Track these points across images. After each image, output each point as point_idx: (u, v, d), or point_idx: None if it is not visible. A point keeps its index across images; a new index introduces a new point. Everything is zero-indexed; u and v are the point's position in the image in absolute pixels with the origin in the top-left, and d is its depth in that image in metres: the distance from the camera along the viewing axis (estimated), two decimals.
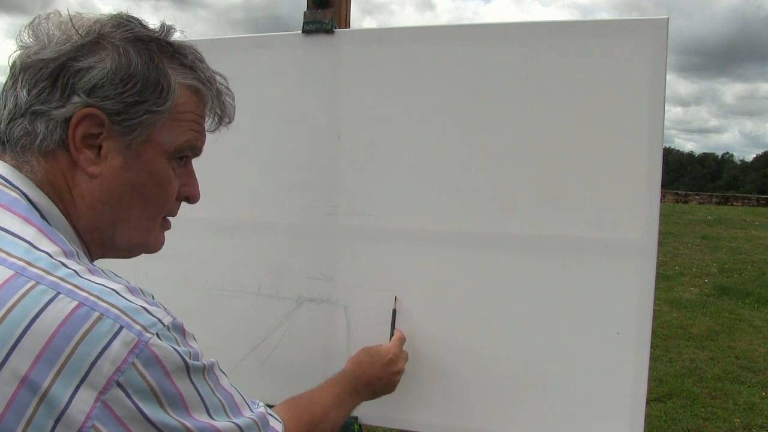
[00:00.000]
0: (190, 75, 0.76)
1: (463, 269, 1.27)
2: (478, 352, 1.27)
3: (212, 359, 0.69)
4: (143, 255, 1.54)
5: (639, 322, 1.18)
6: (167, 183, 0.76)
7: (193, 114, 0.76)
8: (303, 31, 1.34)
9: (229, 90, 0.82)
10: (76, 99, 0.67)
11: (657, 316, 5.29)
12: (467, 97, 1.24)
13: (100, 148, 0.70)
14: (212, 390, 0.67)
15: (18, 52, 0.70)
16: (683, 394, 4.36)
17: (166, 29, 0.75)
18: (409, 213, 1.29)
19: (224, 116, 0.82)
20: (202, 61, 0.78)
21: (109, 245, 0.75)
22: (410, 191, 1.29)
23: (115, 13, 0.73)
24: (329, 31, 1.32)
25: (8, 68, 0.72)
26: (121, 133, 0.70)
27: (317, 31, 1.33)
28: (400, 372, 1.22)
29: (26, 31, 0.71)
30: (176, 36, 0.76)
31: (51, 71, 0.67)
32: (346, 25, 1.39)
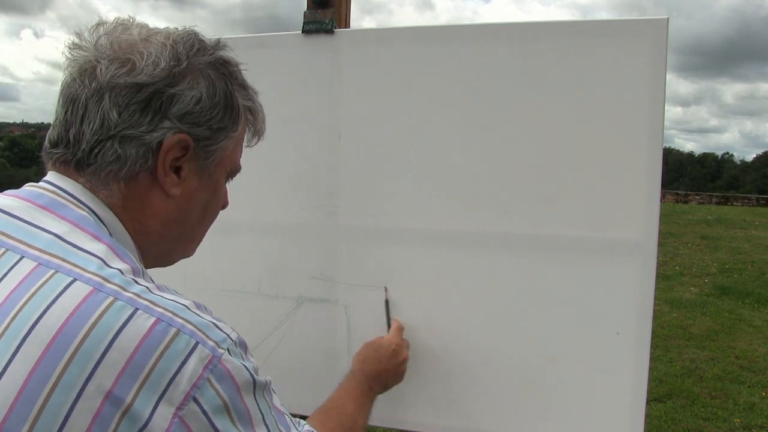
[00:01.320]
0: (246, 96, 0.78)
1: (463, 269, 1.27)
2: (478, 352, 1.27)
3: (268, 377, 0.70)
4: None
5: (639, 322, 1.18)
6: (221, 198, 0.81)
7: (244, 134, 0.80)
8: (303, 31, 1.34)
9: (261, 105, 0.83)
10: (167, 124, 0.68)
11: (657, 316, 5.29)
12: (467, 97, 1.24)
13: (179, 169, 0.71)
14: (270, 408, 0.68)
15: (96, 62, 0.67)
16: (683, 394, 4.36)
17: (221, 46, 0.75)
18: (409, 213, 1.29)
19: (260, 131, 0.84)
20: (243, 75, 0.79)
21: (164, 257, 0.79)
22: (410, 191, 1.29)
23: (185, 30, 0.73)
24: (329, 31, 1.32)
25: (63, 69, 0.70)
26: (202, 158, 0.72)
27: (317, 31, 1.33)
28: (405, 360, 1.22)
29: (102, 39, 0.69)
30: (227, 52, 0.77)
31: (146, 96, 0.67)
32: (346, 25, 1.39)
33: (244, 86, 0.77)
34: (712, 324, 6.08)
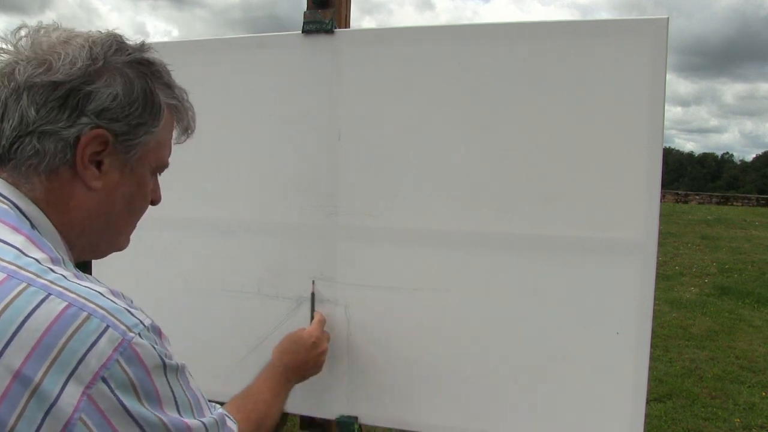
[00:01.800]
0: (170, 94, 0.81)
1: (463, 269, 1.27)
2: (478, 351, 1.27)
3: (183, 362, 0.73)
4: (143, 255, 1.55)
5: (639, 322, 1.18)
6: (149, 193, 0.83)
7: (171, 131, 0.83)
8: (303, 31, 1.34)
9: (190, 103, 0.86)
10: (85, 120, 0.70)
11: (657, 316, 5.30)
12: (467, 97, 1.24)
13: (100, 163, 0.74)
14: (183, 390, 0.71)
15: (15, 64, 0.70)
16: (683, 394, 4.36)
17: (145, 48, 0.79)
18: (409, 213, 1.29)
19: (189, 128, 0.86)
20: (170, 74, 0.82)
21: (91, 249, 0.81)
22: (410, 191, 1.29)
23: (106, 32, 0.76)
24: (329, 31, 1.32)
25: None
26: (122, 152, 0.75)
27: (317, 31, 1.33)
28: (324, 352, 1.27)
29: (23, 41, 0.72)
30: (153, 53, 0.80)
31: (62, 94, 0.70)
32: (346, 25, 1.39)
33: (169, 86, 0.80)
34: (712, 324, 6.08)
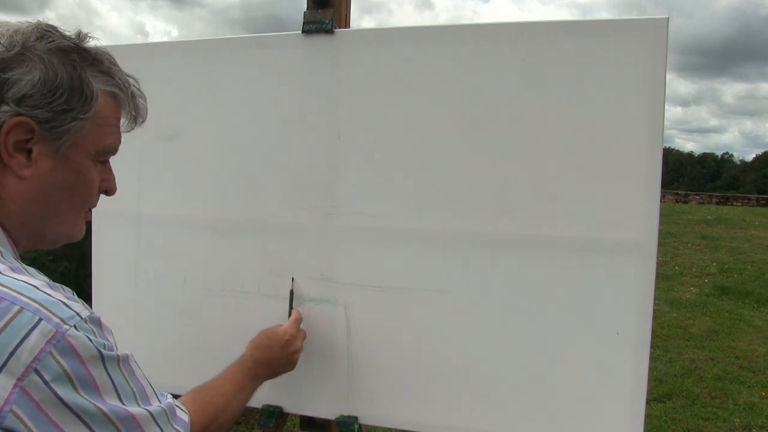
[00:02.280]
0: (108, 81, 0.80)
1: (463, 269, 1.27)
2: (478, 351, 1.27)
3: (127, 352, 0.72)
4: (144, 255, 1.55)
5: (639, 322, 1.18)
6: (91, 181, 0.81)
7: (112, 118, 0.82)
8: (303, 31, 1.34)
9: (141, 92, 0.86)
10: (5, 108, 0.70)
11: (657, 316, 5.30)
12: (467, 97, 1.24)
13: (29, 151, 0.73)
14: (126, 379, 0.70)
15: None
16: (683, 394, 4.36)
17: (82, 36, 0.79)
18: (409, 213, 1.29)
19: (138, 116, 0.86)
20: (116, 65, 0.82)
21: (38, 238, 0.80)
22: (410, 191, 1.29)
23: (34, 22, 0.76)
24: (329, 31, 1.32)
25: None
26: (50, 139, 0.74)
27: (317, 31, 1.33)
28: (297, 351, 1.27)
29: None
30: (92, 42, 0.80)
31: None
32: (346, 25, 1.39)
33: (108, 73, 0.80)
34: (712, 324, 6.08)
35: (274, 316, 1.38)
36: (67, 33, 0.77)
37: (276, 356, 1.23)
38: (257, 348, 1.22)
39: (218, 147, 1.42)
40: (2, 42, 0.71)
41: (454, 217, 1.27)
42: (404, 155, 1.29)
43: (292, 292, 1.37)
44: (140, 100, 0.85)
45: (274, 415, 1.41)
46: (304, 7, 1.36)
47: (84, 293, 1.61)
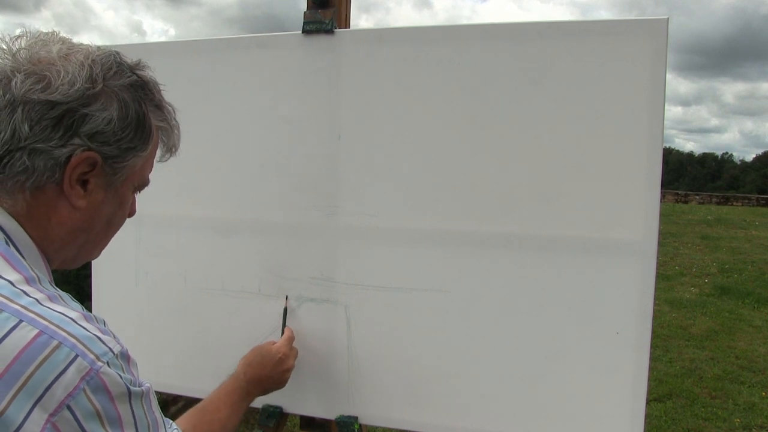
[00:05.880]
0: (161, 116, 0.81)
1: (463, 269, 1.27)
2: (478, 351, 1.27)
3: (148, 384, 0.73)
4: (144, 255, 1.55)
5: (639, 322, 1.18)
6: (128, 209, 0.84)
7: (156, 151, 0.83)
8: (303, 31, 1.34)
9: (177, 121, 0.86)
10: (77, 141, 0.70)
11: (657, 316, 5.29)
12: (467, 97, 1.24)
13: (86, 182, 0.74)
14: (145, 413, 0.72)
15: (12, 74, 0.69)
16: (683, 394, 4.36)
17: (141, 66, 0.79)
18: (409, 213, 1.29)
19: (174, 148, 0.86)
20: (161, 94, 0.82)
21: (70, 261, 0.81)
22: (410, 191, 1.29)
23: (104, 50, 0.75)
24: (329, 31, 1.32)
25: None
26: (109, 174, 0.75)
27: (317, 31, 1.33)
28: (289, 370, 1.28)
29: (22, 52, 0.70)
30: (146, 71, 0.80)
31: (58, 114, 0.69)
32: (346, 25, 1.39)
33: (159, 107, 0.81)
34: (712, 324, 6.08)
35: (274, 316, 1.39)
36: (127, 60, 0.77)
37: (268, 374, 1.23)
38: (250, 365, 1.23)
39: (218, 147, 1.42)
40: (83, 75, 0.70)
41: (454, 217, 1.27)
42: (404, 155, 1.29)
43: (285, 310, 1.37)
44: (177, 131, 0.86)
45: (274, 415, 1.41)
46: (303, 6, 1.36)
47: (84, 293, 1.61)
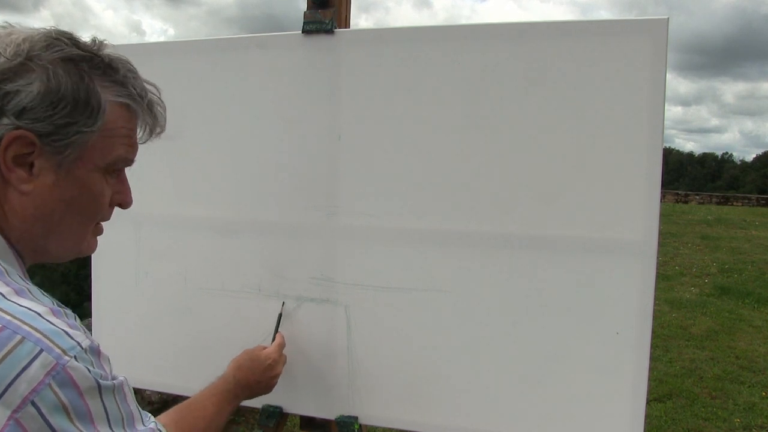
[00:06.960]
0: (121, 91, 0.76)
1: (463, 269, 1.27)
2: (478, 351, 1.27)
3: (122, 377, 0.71)
4: (144, 255, 1.55)
5: (639, 322, 1.18)
6: (100, 195, 0.78)
7: (124, 129, 0.77)
8: (303, 31, 1.34)
9: (161, 100, 0.82)
10: (5, 121, 0.67)
11: (657, 316, 5.28)
12: (467, 97, 1.24)
13: (32, 165, 0.70)
14: (118, 406, 0.70)
15: None
16: (683, 394, 4.36)
17: (97, 44, 0.75)
18: (409, 213, 1.29)
19: (156, 127, 0.83)
20: (134, 73, 0.78)
21: (42, 252, 0.77)
22: (410, 191, 1.29)
23: (46, 29, 0.72)
24: (329, 31, 1.32)
25: None
26: (52, 153, 0.71)
27: (317, 31, 1.33)
28: (277, 376, 1.28)
29: None
30: (108, 50, 0.76)
31: None
32: (346, 25, 1.39)
33: (121, 83, 0.76)
34: (712, 324, 6.08)
35: (274, 316, 1.39)
36: (82, 40, 0.73)
37: (257, 379, 1.23)
38: (239, 368, 1.22)
39: (218, 147, 1.42)
40: (8, 50, 0.67)
41: (454, 217, 1.27)
42: (404, 155, 1.29)
43: (280, 315, 1.37)
44: (159, 109, 0.81)
45: (274, 415, 1.41)
46: (302, 6, 1.36)
47: (84, 293, 1.61)
